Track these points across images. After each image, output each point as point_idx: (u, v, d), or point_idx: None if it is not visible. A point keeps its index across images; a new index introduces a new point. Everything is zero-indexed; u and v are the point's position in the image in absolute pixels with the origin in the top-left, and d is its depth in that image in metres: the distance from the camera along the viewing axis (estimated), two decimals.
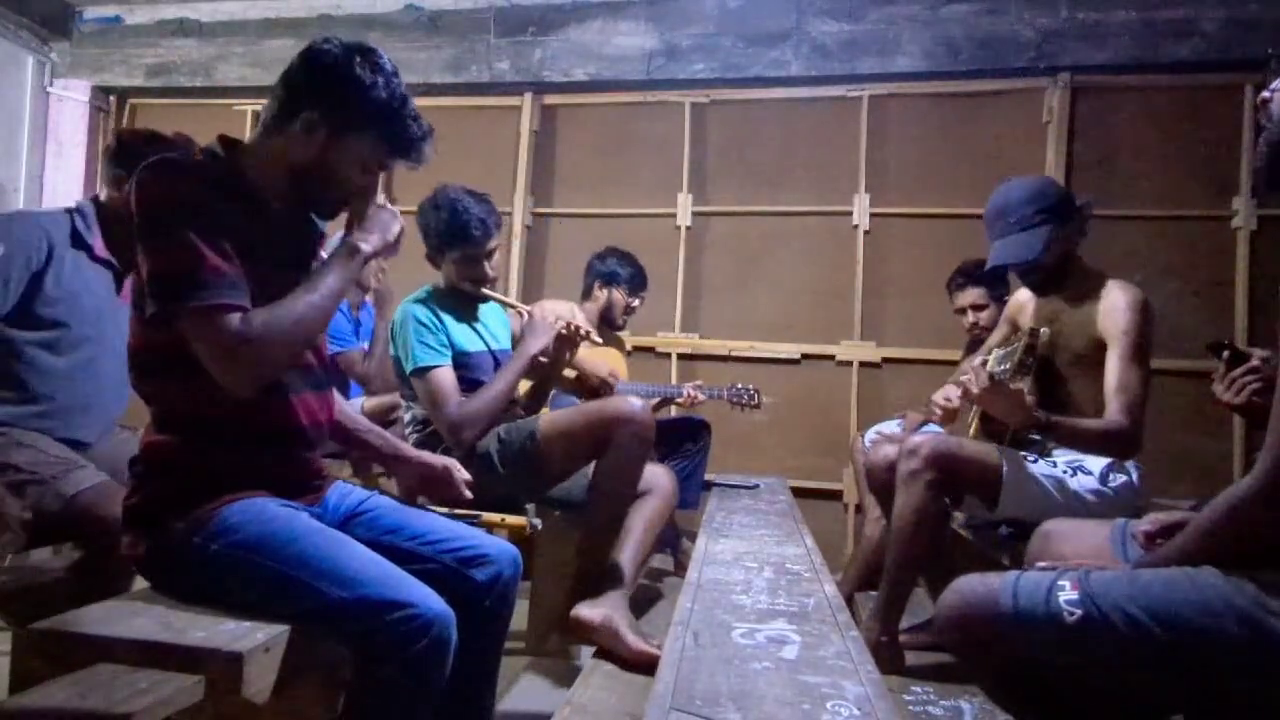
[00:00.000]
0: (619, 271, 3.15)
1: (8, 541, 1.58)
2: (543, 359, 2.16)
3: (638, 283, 3.18)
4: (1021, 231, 1.99)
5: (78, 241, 1.80)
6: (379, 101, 1.26)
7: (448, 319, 2.12)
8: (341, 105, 1.25)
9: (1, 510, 1.56)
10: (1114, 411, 1.87)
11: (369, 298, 3.18)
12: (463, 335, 2.14)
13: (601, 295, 3.16)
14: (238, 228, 1.20)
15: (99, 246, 1.83)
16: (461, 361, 2.10)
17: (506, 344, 2.32)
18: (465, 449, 2.02)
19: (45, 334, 1.75)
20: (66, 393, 1.79)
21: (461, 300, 2.18)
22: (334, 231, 1.43)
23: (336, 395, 1.46)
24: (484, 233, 2.10)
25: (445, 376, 2.03)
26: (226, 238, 1.17)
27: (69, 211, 1.83)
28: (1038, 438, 1.92)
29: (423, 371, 2.02)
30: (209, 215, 1.17)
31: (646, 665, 1.62)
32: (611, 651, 1.77)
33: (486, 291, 2.17)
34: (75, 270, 1.79)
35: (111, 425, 1.94)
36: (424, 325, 2.06)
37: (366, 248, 1.32)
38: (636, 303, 3.20)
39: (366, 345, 3.02)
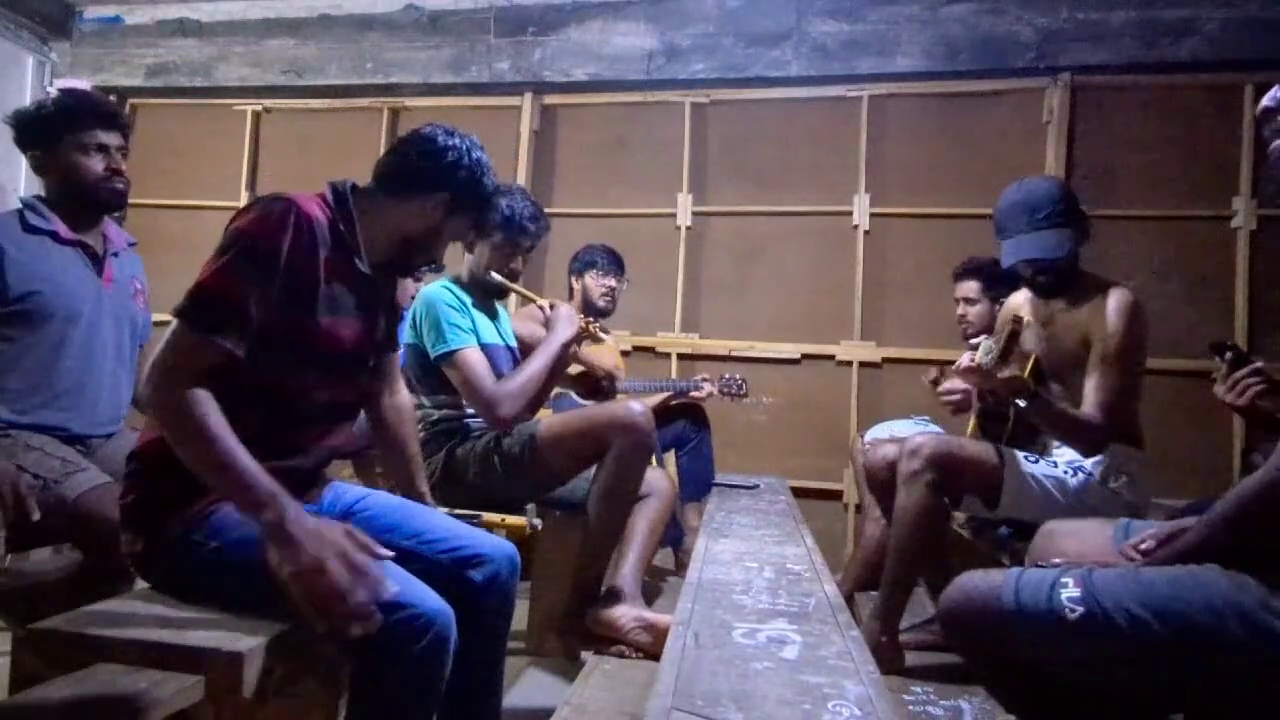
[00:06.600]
0: (590, 258, 3.11)
1: None
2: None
3: (610, 262, 3.11)
4: (1048, 229, 1.94)
5: (34, 230, 1.77)
6: (487, 188, 1.49)
7: (470, 307, 2.12)
8: (466, 191, 1.44)
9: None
10: (1089, 406, 1.89)
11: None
12: (483, 326, 2.14)
13: (578, 286, 3.12)
14: (327, 276, 1.27)
15: (63, 230, 1.80)
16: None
17: (514, 341, 2.31)
18: (505, 428, 2.00)
19: (26, 326, 1.73)
20: (62, 379, 1.77)
21: (480, 293, 2.18)
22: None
23: None
24: (538, 228, 2.18)
25: (478, 356, 2.01)
26: (294, 285, 1.22)
27: (20, 209, 1.81)
28: (1021, 403, 1.93)
29: (456, 353, 1.99)
30: (290, 264, 1.21)
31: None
32: (635, 629, 1.83)
33: (511, 285, 2.17)
34: (41, 257, 1.77)
35: (122, 408, 1.91)
36: (452, 308, 2.05)
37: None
38: (613, 282, 3.11)
39: None
